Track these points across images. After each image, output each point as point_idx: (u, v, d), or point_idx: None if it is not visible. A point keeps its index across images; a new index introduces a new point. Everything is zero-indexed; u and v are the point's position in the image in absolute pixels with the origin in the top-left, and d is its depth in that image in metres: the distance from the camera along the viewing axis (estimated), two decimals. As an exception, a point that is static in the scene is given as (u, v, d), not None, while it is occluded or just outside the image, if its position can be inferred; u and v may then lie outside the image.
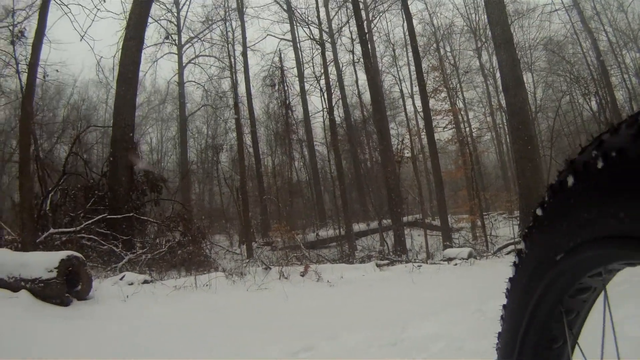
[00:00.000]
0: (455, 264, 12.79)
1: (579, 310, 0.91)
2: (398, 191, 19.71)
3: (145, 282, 8.64)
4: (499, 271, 11.05)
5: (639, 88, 34.35)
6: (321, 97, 30.45)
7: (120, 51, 16.99)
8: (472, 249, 14.96)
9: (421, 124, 25.54)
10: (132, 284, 8.34)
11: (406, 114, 31.58)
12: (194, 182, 36.03)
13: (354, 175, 30.81)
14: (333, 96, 27.77)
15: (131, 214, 14.24)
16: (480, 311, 6.47)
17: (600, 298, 0.86)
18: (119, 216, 13.83)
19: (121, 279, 8.59)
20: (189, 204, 24.04)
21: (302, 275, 9.83)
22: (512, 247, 15.25)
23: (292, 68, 32.37)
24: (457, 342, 4.95)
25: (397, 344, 5.15)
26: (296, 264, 11.63)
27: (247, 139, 29.89)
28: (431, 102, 21.89)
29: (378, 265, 12.03)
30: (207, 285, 8.58)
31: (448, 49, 33.44)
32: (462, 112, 26.31)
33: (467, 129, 28.81)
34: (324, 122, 31.83)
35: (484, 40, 33.33)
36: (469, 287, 8.83)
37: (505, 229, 19.62)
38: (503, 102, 25.70)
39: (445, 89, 23.21)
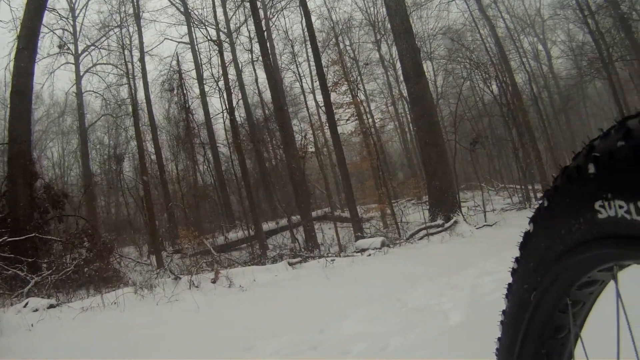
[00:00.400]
0: (369, 255, 12.68)
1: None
2: (304, 186, 19.65)
3: (51, 306, 8.20)
4: (412, 257, 11.24)
5: (538, 70, 36.09)
6: (220, 98, 30.12)
7: (12, 62, 16.24)
8: (385, 237, 14.97)
9: (323, 118, 25.66)
10: (36, 310, 7.90)
11: (308, 110, 31.68)
12: (99, 195, 34.94)
13: (259, 174, 30.53)
14: (233, 96, 27.41)
15: (33, 234, 13.60)
16: (400, 301, 6.46)
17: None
18: (22, 237, 13.18)
19: (25, 306, 8.10)
20: (94, 218, 23.29)
21: (213, 282, 9.56)
22: (424, 232, 15.42)
23: (191, 70, 31.85)
24: (380, 340, 4.86)
25: (317, 348, 5.02)
26: (207, 270, 11.33)
27: (150, 146, 29.21)
28: (332, 95, 21.95)
29: (290, 264, 11.85)
30: (115, 303, 8.24)
31: (347, 42, 34.00)
32: (364, 104, 26.50)
33: (370, 120, 29.15)
34: (224, 123, 31.44)
35: (383, 32, 34.08)
36: (385, 277, 8.86)
37: (416, 214, 19.88)
38: (404, 91, 26.22)
39: (346, 82, 23.28)
